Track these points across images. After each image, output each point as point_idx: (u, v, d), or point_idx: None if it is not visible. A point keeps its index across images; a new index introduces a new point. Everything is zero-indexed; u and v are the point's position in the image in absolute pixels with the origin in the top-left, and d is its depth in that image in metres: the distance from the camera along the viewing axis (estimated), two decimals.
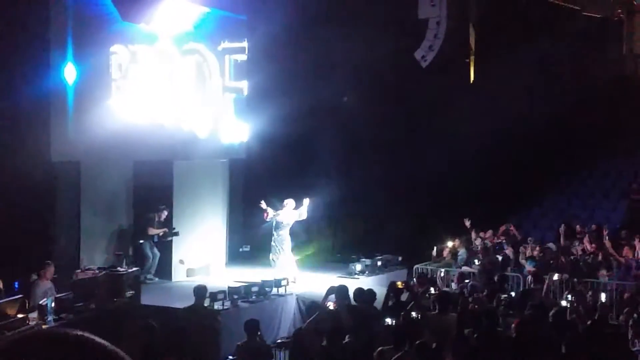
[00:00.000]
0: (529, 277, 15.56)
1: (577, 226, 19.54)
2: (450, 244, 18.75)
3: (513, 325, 9.80)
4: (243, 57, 18.07)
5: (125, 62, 15.85)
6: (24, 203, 14.28)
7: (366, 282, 15.93)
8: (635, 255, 16.81)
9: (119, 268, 14.20)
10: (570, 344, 9.03)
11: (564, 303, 11.78)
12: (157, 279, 17.27)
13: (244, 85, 18.18)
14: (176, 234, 17.30)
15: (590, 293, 13.93)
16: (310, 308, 11.14)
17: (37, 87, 14.44)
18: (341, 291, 11.50)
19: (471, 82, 27.60)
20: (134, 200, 17.70)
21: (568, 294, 12.98)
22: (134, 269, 14.63)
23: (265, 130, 19.02)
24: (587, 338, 9.62)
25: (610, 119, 25.02)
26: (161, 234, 17.20)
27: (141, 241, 17.08)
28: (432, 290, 12.83)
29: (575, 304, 12.12)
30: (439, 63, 22.27)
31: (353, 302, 11.42)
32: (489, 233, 19.08)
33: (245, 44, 17.89)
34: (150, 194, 17.37)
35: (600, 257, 16.74)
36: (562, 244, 18.20)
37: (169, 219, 17.33)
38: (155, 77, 16.45)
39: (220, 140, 18.04)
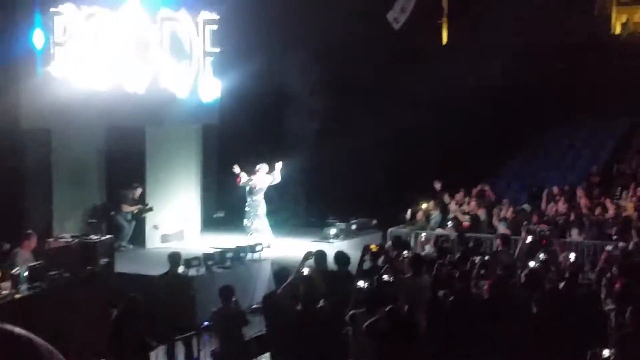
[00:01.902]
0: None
1: (555, 188, 19.57)
2: (424, 206, 18.79)
3: (485, 286, 9.88)
4: (215, 26, 17.97)
5: (78, 24, 15.43)
6: None
7: (340, 246, 15.91)
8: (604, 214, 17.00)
9: (92, 236, 14.10)
10: (540, 303, 9.12)
11: (536, 263, 11.85)
12: (131, 246, 17.23)
13: (218, 50, 18.05)
14: (150, 209, 17.27)
15: (564, 254, 14.03)
16: (278, 274, 11.14)
17: (5, 52, 14.22)
18: (319, 256, 11.52)
19: (444, 44, 27.55)
20: (106, 168, 17.58)
21: (540, 254, 13.06)
22: (108, 236, 14.54)
23: (238, 95, 18.87)
24: (557, 297, 9.72)
25: (583, 79, 25.10)
26: (135, 211, 17.17)
27: (113, 212, 17.04)
28: (405, 253, 12.85)
29: (547, 264, 12.21)
30: (411, 25, 22.16)
31: (334, 266, 11.44)
32: (460, 195, 19.11)
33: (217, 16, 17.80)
34: (122, 161, 17.26)
35: (572, 217, 16.88)
36: (543, 207, 18.34)
37: (143, 195, 17.30)
38: (122, 42, 16.15)
39: (195, 104, 17.83)
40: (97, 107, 15.72)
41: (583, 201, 18.03)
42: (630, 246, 13.66)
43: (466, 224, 17.76)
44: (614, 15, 32.96)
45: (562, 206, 17.97)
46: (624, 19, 32.99)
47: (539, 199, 19.18)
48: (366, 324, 8.56)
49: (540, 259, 12.26)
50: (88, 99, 15.39)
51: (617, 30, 32.87)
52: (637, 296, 9.76)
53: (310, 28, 20.60)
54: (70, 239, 13.78)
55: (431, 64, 22.45)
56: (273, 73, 19.82)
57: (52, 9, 15.17)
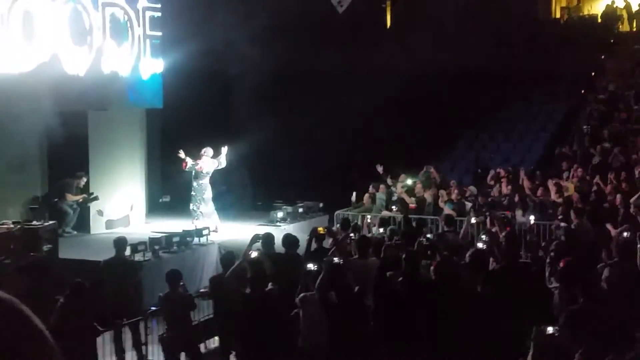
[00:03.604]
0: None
1: (500, 169, 19.78)
2: (370, 189, 18.87)
3: (432, 267, 9.96)
4: (158, 13, 17.81)
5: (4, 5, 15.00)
6: None
7: (288, 229, 15.97)
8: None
9: (34, 222, 13.89)
10: (485, 283, 9.23)
11: (482, 244, 11.98)
12: (75, 232, 17.01)
13: (159, 34, 17.89)
14: (95, 198, 17.06)
15: (503, 234, 14.18)
16: (224, 258, 11.11)
17: None
18: (267, 239, 11.50)
19: (387, 27, 27.66)
20: (48, 153, 17.30)
21: (483, 234, 13.21)
22: (51, 222, 14.32)
23: (182, 79, 18.71)
24: (501, 276, 9.84)
25: (524, 61, 25.42)
26: (80, 200, 16.95)
27: (56, 199, 16.80)
28: (352, 235, 12.91)
29: (490, 245, 12.34)
30: (355, 8, 22.20)
31: (282, 249, 11.44)
32: (402, 177, 19.20)
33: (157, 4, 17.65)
34: (65, 146, 16.96)
35: (516, 199, 17.11)
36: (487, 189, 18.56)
37: (87, 181, 17.08)
38: (59, 25, 15.81)
39: (138, 88, 17.61)
40: (38, 91, 15.38)
41: (525, 182, 18.29)
42: (572, 226, 13.91)
43: (412, 205, 17.91)
44: None
45: (505, 187, 18.22)
46: (564, 2, 33.53)
47: (485, 181, 19.42)
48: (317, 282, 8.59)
49: (484, 239, 12.39)
50: (28, 82, 15.06)
51: (557, 14, 33.41)
52: (580, 274, 9.96)
53: (255, 11, 20.51)
54: (12, 225, 13.56)
55: (375, 47, 22.52)
56: (217, 57, 19.70)
57: None
